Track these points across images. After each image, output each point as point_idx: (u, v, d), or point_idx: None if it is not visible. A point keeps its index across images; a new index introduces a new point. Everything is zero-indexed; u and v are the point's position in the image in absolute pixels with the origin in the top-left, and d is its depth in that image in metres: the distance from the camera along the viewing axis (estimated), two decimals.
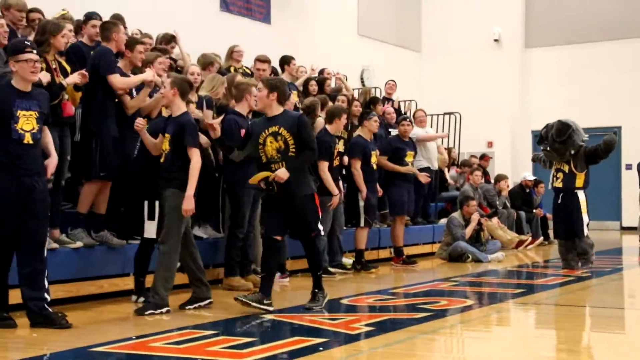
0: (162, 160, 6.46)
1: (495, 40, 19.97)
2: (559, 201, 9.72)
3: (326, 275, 9.05)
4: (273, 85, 6.43)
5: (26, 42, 5.82)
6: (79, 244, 6.91)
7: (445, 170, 14.19)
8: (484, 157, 15.81)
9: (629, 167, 17.77)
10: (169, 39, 9.70)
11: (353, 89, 13.94)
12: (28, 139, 5.52)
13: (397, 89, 13.85)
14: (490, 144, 19.64)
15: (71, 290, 6.77)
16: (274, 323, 6.06)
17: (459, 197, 12.37)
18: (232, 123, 7.56)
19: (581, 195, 9.68)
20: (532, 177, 15.18)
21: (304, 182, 6.44)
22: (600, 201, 18.97)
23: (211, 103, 8.04)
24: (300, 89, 11.27)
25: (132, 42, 7.45)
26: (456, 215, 11.51)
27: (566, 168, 9.61)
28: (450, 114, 16.50)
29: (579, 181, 9.62)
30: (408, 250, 10.93)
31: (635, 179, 14.87)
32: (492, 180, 14.62)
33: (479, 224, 11.52)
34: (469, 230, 11.27)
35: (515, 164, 19.23)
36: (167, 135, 6.42)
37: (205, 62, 9.16)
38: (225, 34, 13.34)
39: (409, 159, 10.56)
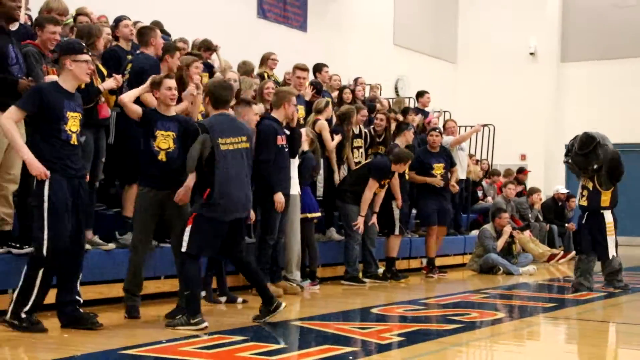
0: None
1: (531, 53, 19.88)
2: (583, 221, 9.12)
3: (357, 283, 9.15)
4: (207, 88, 6.31)
5: (82, 44, 5.92)
6: (110, 245, 7.00)
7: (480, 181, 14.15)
8: (522, 170, 15.70)
9: None
10: (207, 47, 9.80)
11: (387, 99, 13.90)
12: (74, 140, 5.60)
13: (430, 100, 13.76)
14: (523, 157, 19.51)
15: (102, 292, 6.86)
16: (304, 330, 6.08)
17: (491, 209, 12.32)
18: (270, 129, 7.63)
19: (607, 215, 9.04)
20: (565, 191, 15.06)
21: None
22: (630, 216, 18.80)
23: None
24: (335, 96, 11.30)
25: (171, 48, 7.55)
26: (488, 227, 11.46)
27: (590, 185, 9.00)
28: (484, 125, 16.43)
29: (605, 200, 8.97)
30: (440, 261, 10.89)
31: None
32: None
33: (511, 236, 11.46)
34: (500, 243, 11.21)
35: (548, 178, 19.10)
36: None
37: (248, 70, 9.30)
38: (261, 40, 13.45)
39: (437, 171, 10.47)
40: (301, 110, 9.53)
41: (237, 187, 5.92)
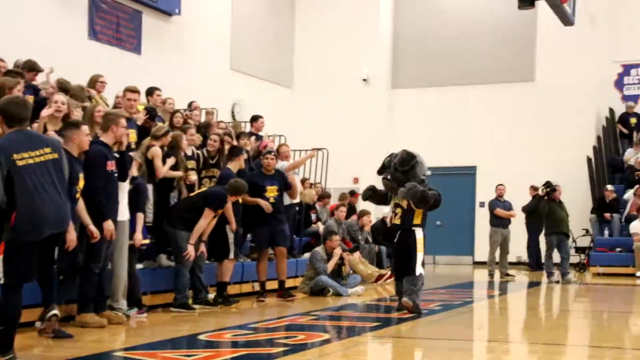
0: None
1: (364, 80, 20.65)
2: (396, 239, 9.03)
3: (187, 310, 9.11)
4: None
5: None
6: None
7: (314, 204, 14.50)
8: (354, 194, 16.23)
9: (482, 205, 18.72)
10: (31, 67, 9.52)
11: (224, 122, 13.97)
12: None
13: (264, 125, 13.99)
14: (356, 180, 20.18)
15: None
16: None
17: (322, 231, 12.65)
18: (100, 154, 7.54)
19: (419, 232, 8.97)
20: None
21: None
22: (455, 237, 19.98)
23: None
24: (167, 120, 11.26)
25: None
26: (319, 249, 11.76)
27: (405, 203, 8.86)
28: (318, 149, 16.85)
29: (417, 218, 8.94)
30: (271, 284, 11.05)
31: (487, 216, 15.82)
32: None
33: (341, 258, 11.81)
34: (331, 265, 11.53)
35: None
36: None
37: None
38: (92, 62, 13.17)
39: (270, 193, 10.56)
40: (132, 134, 9.43)
41: (46, 202, 5.59)
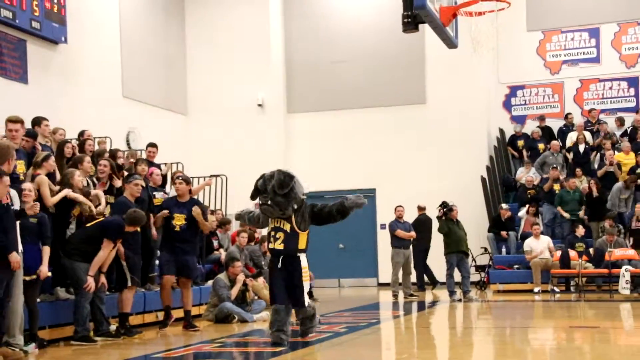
0: None
1: (259, 105, 20.64)
2: (279, 265, 8.41)
3: (88, 343, 8.80)
4: None
5: None
6: None
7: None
8: None
9: (383, 227, 18.93)
10: None
11: (119, 150, 13.59)
12: None
13: (158, 152, 13.62)
14: (257, 206, 20.03)
15: None
16: None
17: (225, 258, 12.48)
18: None
19: (303, 259, 8.49)
20: None
21: None
22: (359, 259, 20.15)
23: None
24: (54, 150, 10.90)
25: None
26: (222, 276, 11.61)
27: (288, 227, 8.36)
28: (216, 176, 16.71)
29: (302, 242, 8.44)
30: (176, 313, 10.79)
31: (389, 238, 16.00)
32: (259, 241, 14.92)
33: (245, 284, 11.69)
34: (234, 291, 11.40)
35: None
36: None
37: None
38: None
39: (177, 222, 10.30)
40: (21, 165, 9.09)
41: None
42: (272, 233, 8.45)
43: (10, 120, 9.43)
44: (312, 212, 8.49)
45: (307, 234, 8.50)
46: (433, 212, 16.04)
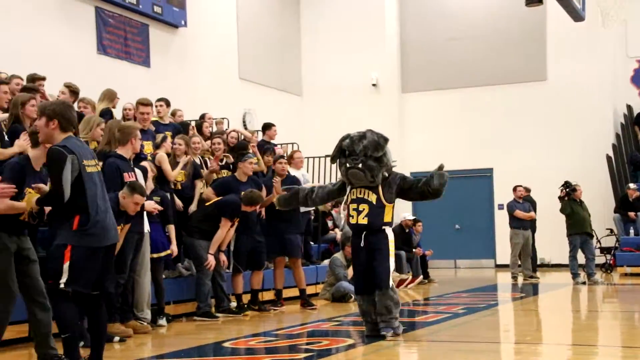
0: None
1: (374, 85, 20.53)
2: (362, 243, 7.24)
3: (210, 318, 9.02)
4: (51, 111, 5.51)
5: None
6: None
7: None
8: None
9: (500, 207, 18.53)
10: (33, 79, 9.55)
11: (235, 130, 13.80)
12: None
13: (277, 133, 13.79)
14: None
15: None
16: None
17: (340, 237, 12.50)
18: (113, 167, 7.44)
19: (390, 232, 7.33)
20: (412, 217, 15.60)
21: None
22: (476, 240, 19.78)
23: None
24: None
25: None
26: (338, 255, 11.64)
27: (374, 198, 7.18)
28: (329, 156, 16.67)
29: (388, 215, 7.27)
30: (291, 292, 10.91)
31: (507, 218, 15.60)
32: None
33: None
34: (351, 270, 11.38)
35: (395, 205, 19.62)
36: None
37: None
38: (103, 76, 13.11)
39: None
40: (148, 146, 9.36)
41: (107, 211, 5.51)
42: (354, 206, 7.23)
43: (142, 104, 9.74)
44: (402, 185, 7.31)
45: (393, 207, 7.33)
46: (554, 193, 15.48)
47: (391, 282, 7.24)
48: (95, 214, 5.34)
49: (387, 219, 7.23)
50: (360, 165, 7.05)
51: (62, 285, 5.29)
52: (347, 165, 7.15)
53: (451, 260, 20.04)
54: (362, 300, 7.29)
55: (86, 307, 5.56)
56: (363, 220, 7.19)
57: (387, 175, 7.22)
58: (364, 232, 7.21)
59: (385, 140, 7.19)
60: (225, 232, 9.21)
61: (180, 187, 9.75)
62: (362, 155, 7.08)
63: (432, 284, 14.90)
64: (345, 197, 7.41)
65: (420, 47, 20.74)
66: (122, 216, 7.01)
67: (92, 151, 5.87)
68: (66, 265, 5.28)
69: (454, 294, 12.24)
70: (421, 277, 14.73)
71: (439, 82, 20.45)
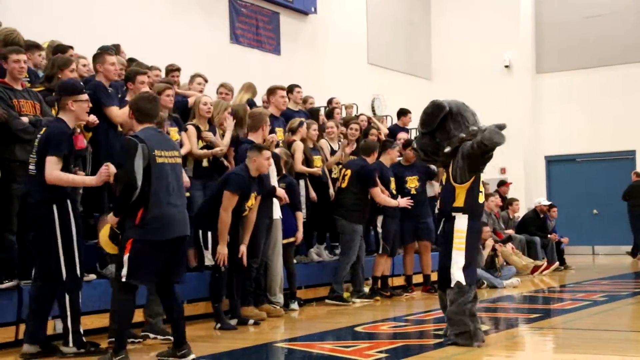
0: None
1: (506, 66, 20.01)
2: (439, 230, 6.29)
3: (342, 303, 9.07)
4: (132, 103, 5.68)
5: (81, 83, 6.03)
6: (91, 276, 6.90)
7: None
8: (504, 183, 15.64)
9: None
10: (170, 70, 9.89)
11: (363, 114, 13.80)
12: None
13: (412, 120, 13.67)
14: (503, 170, 19.58)
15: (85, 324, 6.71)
16: (289, 351, 6.02)
17: None
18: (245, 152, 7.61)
19: (460, 221, 5.99)
20: (547, 202, 15.13)
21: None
22: (615, 226, 18.92)
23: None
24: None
25: (132, 74, 7.55)
26: None
27: (444, 178, 6.21)
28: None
29: (460, 199, 5.98)
30: (418, 278, 10.82)
31: None
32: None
33: (494, 249, 11.45)
34: (483, 256, 11.20)
35: (528, 190, 19.17)
36: None
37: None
38: (236, 65, 13.45)
39: (411, 184, 10.25)
40: (280, 133, 9.52)
41: (176, 204, 5.43)
42: (438, 189, 6.86)
43: (280, 88, 9.78)
44: (464, 153, 5.99)
45: (469, 189, 5.98)
46: None
47: (460, 278, 5.99)
48: (156, 208, 5.28)
49: (457, 202, 5.96)
50: (414, 146, 6.34)
51: (123, 278, 5.28)
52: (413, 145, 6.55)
53: (589, 247, 19.31)
54: (442, 294, 6.32)
55: (159, 294, 5.61)
56: (440, 204, 6.36)
57: (450, 149, 6.01)
58: (442, 219, 6.19)
59: (440, 108, 6.03)
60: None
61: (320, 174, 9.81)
62: (418, 132, 6.30)
63: (568, 271, 14.42)
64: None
65: (556, 26, 20.00)
66: (254, 183, 7.26)
67: (172, 142, 5.82)
68: (126, 257, 5.27)
69: (593, 281, 11.79)
70: (557, 263, 14.28)
71: (576, 61, 19.66)
